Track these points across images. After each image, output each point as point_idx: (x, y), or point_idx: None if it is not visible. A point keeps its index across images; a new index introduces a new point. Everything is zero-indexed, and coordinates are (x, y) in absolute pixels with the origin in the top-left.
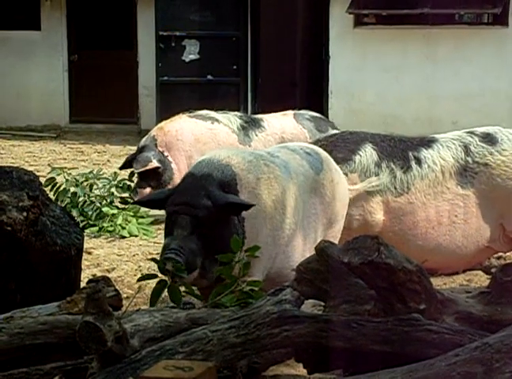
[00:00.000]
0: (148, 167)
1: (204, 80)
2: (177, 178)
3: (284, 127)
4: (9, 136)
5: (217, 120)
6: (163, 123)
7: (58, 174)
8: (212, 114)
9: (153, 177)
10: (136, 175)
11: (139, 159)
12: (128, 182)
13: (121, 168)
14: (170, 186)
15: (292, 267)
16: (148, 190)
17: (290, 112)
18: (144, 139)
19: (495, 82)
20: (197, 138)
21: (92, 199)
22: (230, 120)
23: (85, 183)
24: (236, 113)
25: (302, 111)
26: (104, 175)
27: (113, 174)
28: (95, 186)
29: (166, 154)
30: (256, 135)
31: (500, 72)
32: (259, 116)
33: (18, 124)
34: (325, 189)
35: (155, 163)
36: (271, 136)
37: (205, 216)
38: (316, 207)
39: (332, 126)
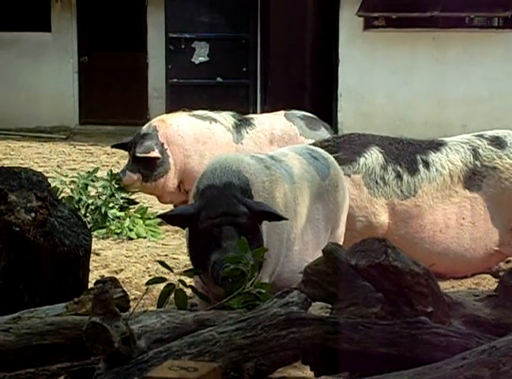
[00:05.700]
0: (149, 155)
1: (213, 82)
2: (172, 173)
3: (274, 124)
4: (19, 137)
5: (215, 119)
6: (163, 116)
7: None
8: (209, 113)
9: (148, 166)
10: (130, 158)
11: (143, 144)
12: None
13: (113, 146)
14: (162, 180)
15: (293, 271)
16: (136, 176)
17: (281, 112)
18: (145, 127)
19: (504, 86)
20: (196, 138)
21: (96, 202)
22: (225, 119)
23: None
24: (229, 112)
25: (293, 111)
26: (102, 176)
27: (110, 174)
28: (94, 189)
29: (166, 147)
30: (247, 133)
31: (510, 75)
32: (250, 116)
33: (28, 125)
34: (329, 195)
35: (156, 153)
36: (261, 133)
37: (247, 223)
38: (319, 212)
39: (325, 126)
